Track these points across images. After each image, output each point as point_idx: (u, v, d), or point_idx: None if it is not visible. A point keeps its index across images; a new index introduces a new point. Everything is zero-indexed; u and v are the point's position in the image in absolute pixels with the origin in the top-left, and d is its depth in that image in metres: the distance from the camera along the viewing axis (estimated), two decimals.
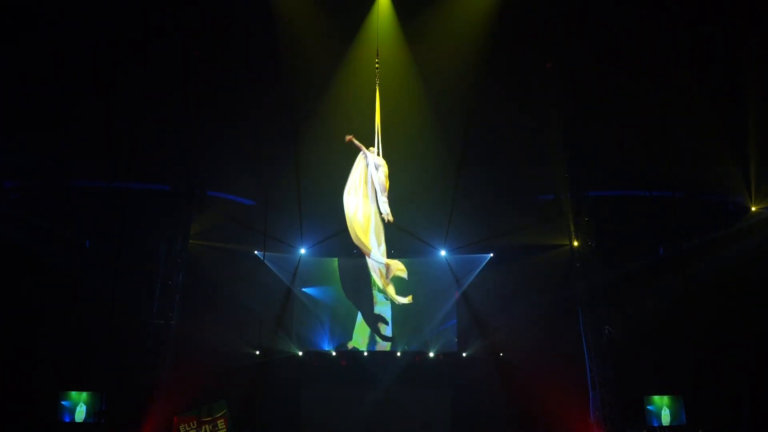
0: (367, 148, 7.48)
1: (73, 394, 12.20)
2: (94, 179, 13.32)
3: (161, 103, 12.19)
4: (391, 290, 7.15)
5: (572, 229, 13.46)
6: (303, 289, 15.01)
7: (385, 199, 7.05)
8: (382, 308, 14.77)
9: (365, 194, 7.13)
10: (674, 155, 12.12)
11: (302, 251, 15.01)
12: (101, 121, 11.99)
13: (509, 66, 12.47)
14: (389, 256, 7.54)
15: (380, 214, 7.08)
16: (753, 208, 13.07)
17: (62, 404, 12.10)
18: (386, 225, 7.29)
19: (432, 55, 12.25)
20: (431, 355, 14.82)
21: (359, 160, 7.33)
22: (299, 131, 13.15)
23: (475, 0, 11.81)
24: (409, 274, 14.64)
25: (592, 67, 12.17)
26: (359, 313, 14.77)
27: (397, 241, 14.07)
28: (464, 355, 14.89)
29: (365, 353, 14.45)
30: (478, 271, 14.99)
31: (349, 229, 7.09)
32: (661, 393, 12.83)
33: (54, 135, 11.94)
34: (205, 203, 13.73)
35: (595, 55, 12.05)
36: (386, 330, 14.71)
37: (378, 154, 7.51)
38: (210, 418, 12.51)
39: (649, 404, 12.71)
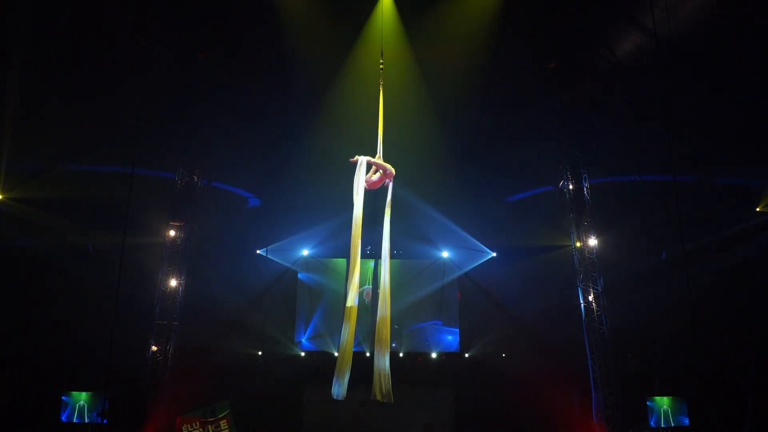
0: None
1: (75, 394, 12.22)
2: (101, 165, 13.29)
3: (168, 98, 12.26)
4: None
5: (574, 229, 13.44)
6: (305, 290, 15.02)
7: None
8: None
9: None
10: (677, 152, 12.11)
11: (305, 252, 15.03)
12: (109, 112, 12.03)
13: (511, 66, 12.47)
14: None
15: None
16: (758, 209, 13.04)
17: (64, 404, 12.13)
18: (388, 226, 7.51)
19: (434, 54, 12.25)
20: (434, 355, 14.83)
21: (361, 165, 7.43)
22: (304, 130, 13.16)
23: (477, 0, 11.79)
24: (410, 274, 14.92)
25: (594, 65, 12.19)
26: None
27: (400, 241, 14.16)
28: (467, 355, 14.91)
29: (367, 354, 14.43)
30: (480, 270, 15.00)
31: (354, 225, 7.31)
32: (663, 394, 12.81)
33: (60, 127, 11.98)
34: (208, 195, 13.71)
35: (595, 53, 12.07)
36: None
37: (379, 153, 7.62)
38: (212, 419, 12.51)
39: (652, 405, 12.70)
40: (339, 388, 7.22)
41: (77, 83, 11.57)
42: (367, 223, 7.34)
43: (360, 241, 7.22)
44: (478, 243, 14.83)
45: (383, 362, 7.36)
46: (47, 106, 11.69)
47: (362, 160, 7.40)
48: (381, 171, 7.56)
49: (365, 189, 7.34)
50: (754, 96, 11.49)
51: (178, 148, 13.14)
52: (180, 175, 13.24)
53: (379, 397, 7.39)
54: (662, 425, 12.56)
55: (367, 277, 14.81)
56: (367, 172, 7.47)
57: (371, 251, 14.13)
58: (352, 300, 7.11)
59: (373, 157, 7.55)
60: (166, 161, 13.25)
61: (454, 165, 13.49)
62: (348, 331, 7.14)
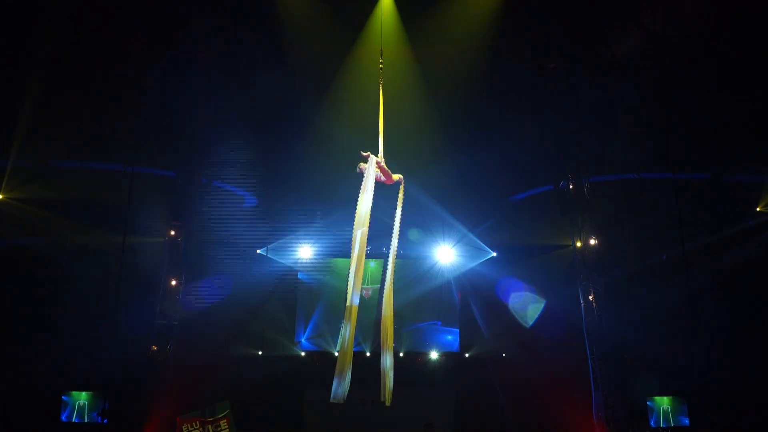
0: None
1: (75, 393, 12.23)
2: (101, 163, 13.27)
3: (168, 97, 12.28)
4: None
5: (575, 229, 13.44)
6: (305, 289, 15.03)
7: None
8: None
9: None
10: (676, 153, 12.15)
11: (305, 252, 15.01)
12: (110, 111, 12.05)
13: (511, 65, 12.48)
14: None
15: None
16: (758, 209, 13.03)
17: (65, 404, 12.14)
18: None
19: (434, 54, 12.26)
20: (434, 355, 14.83)
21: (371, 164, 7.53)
22: (304, 129, 13.17)
23: (477, 1, 11.81)
24: (410, 274, 14.92)
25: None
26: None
27: (400, 240, 14.11)
28: (467, 355, 14.91)
29: (368, 354, 14.43)
30: (480, 270, 15.00)
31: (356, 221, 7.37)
32: (663, 394, 12.81)
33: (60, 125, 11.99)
34: (209, 194, 13.71)
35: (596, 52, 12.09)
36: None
37: (380, 153, 7.68)
38: (213, 419, 12.52)
39: (652, 405, 12.71)
40: (340, 390, 7.18)
41: (77, 81, 11.57)
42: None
43: (365, 238, 7.21)
44: (479, 242, 14.83)
45: (387, 361, 7.37)
46: (47, 104, 11.68)
47: (373, 159, 7.44)
48: (384, 175, 7.62)
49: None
50: (757, 92, 11.51)
51: (179, 147, 13.13)
52: (180, 174, 13.24)
53: (381, 398, 7.41)
54: (662, 425, 12.57)
55: (366, 277, 14.81)
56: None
57: (370, 251, 14.15)
58: (353, 299, 7.11)
59: (376, 156, 7.59)
60: (166, 161, 13.25)
61: (454, 165, 13.49)
62: (349, 330, 7.13)
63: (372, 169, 7.40)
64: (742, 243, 13.17)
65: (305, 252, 14.90)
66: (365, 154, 7.48)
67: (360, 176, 7.48)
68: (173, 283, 12.94)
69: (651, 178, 13.67)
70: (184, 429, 12.38)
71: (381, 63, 8.40)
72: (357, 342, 14.61)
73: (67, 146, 12.46)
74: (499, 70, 12.36)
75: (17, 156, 12.11)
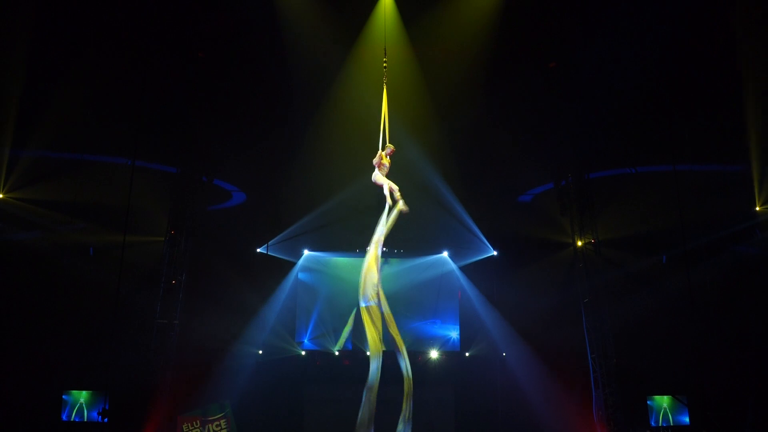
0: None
1: (76, 393, 12.23)
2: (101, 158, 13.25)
3: (169, 95, 12.30)
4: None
5: (575, 228, 13.46)
6: (306, 288, 15.03)
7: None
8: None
9: None
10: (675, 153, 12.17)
11: (305, 251, 15.03)
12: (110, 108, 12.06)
13: (512, 65, 12.50)
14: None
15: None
16: (757, 208, 13.05)
17: (65, 403, 12.13)
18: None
19: (435, 54, 12.29)
20: (434, 355, 14.83)
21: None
22: (305, 127, 13.18)
23: (477, 0, 11.83)
24: (410, 272, 14.93)
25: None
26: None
27: (400, 240, 14.17)
28: (467, 354, 14.91)
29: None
30: (480, 268, 15.01)
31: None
32: (663, 393, 12.83)
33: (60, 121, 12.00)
34: (209, 193, 13.70)
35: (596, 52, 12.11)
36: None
37: (388, 145, 8.03)
38: (213, 418, 12.51)
39: (652, 404, 12.72)
40: None
41: (78, 77, 11.56)
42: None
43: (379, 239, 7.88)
44: (479, 241, 14.84)
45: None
46: (46, 97, 11.68)
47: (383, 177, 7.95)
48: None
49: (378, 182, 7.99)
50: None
51: (179, 145, 13.12)
52: (181, 172, 13.23)
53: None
54: (662, 424, 12.58)
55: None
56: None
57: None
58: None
59: (382, 149, 7.98)
60: (167, 159, 13.25)
61: (454, 163, 13.50)
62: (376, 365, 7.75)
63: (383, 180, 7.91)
64: (742, 242, 13.19)
65: (306, 251, 14.92)
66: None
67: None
68: (173, 282, 12.91)
69: (651, 173, 13.69)
70: (184, 429, 12.37)
71: (385, 62, 8.43)
72: (358, 342, 14.62)
73: (67, 141, 12.44)
74: (500, 69, 12.36)
75: (17, 152, 12.09)
